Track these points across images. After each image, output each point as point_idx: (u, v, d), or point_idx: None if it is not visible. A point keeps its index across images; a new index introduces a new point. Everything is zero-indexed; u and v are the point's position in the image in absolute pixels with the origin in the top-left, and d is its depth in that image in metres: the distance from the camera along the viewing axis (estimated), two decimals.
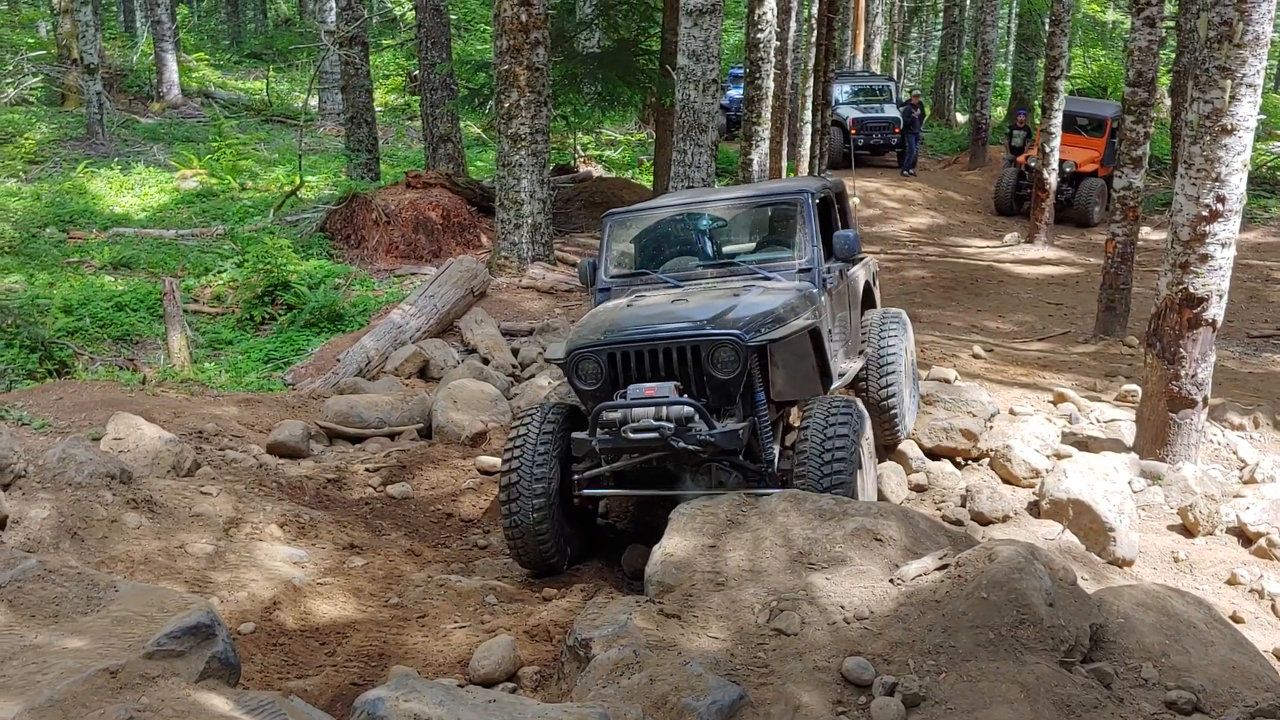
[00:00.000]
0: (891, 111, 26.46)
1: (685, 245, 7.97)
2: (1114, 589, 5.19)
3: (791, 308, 6.67)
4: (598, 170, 23.14)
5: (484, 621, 6.03)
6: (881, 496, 7.18)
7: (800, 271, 7.19)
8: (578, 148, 24.88)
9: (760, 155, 15.35)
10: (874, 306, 9.04)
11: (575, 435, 6.51)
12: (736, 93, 25.93)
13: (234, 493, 7.05)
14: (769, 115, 15.84)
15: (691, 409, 6.02)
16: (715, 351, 6.15)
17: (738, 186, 10.29)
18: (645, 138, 27.64)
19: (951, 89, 36.05)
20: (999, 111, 33.36)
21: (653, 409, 6.05)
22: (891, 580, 5.08)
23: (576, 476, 6.61)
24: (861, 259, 8.95)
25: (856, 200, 22.84)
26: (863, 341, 7.97)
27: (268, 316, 13.27)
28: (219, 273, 14.53)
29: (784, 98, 23.35)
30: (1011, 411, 9.32)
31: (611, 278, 7.55)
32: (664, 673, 4.62)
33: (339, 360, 10.88)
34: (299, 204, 18.09)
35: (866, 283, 8.81)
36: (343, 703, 4.85)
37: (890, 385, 7.69)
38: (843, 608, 4.98)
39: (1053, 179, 19.14)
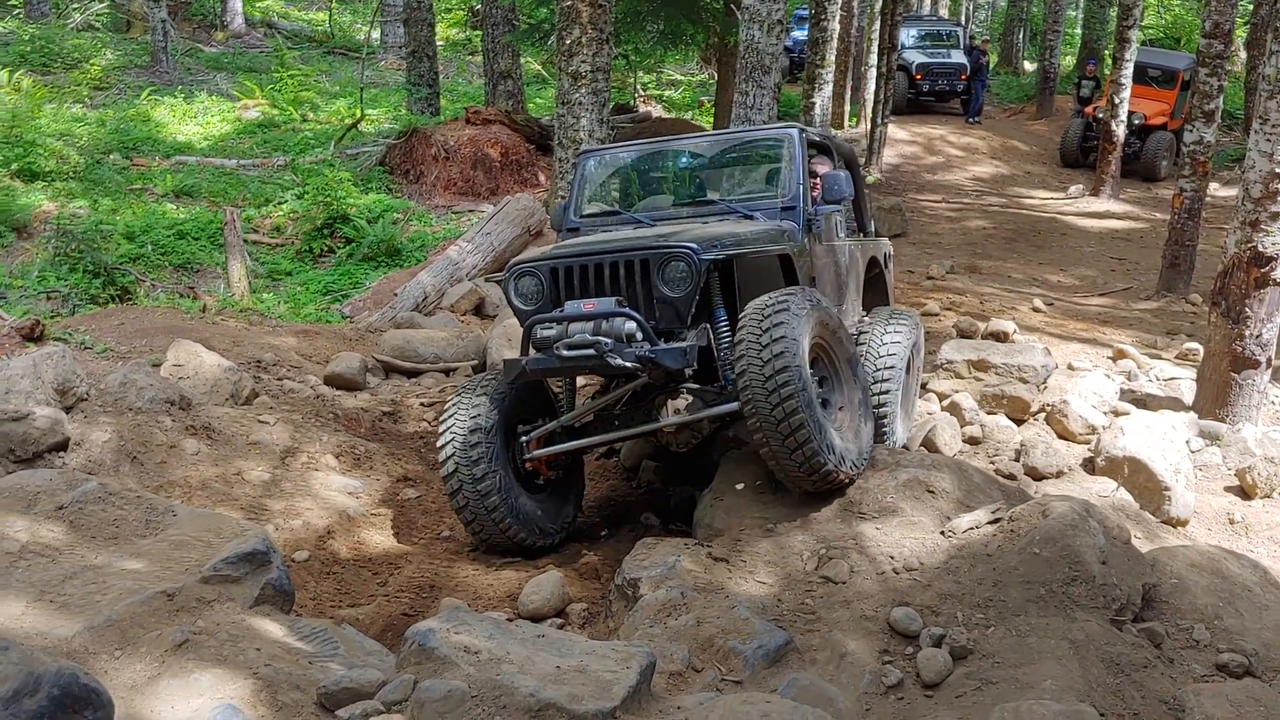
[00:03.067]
0: (958, 57, 25.96)
1: (662, 184, 7.53)
2: (1168, 549, 5.14)
3: (761, 235, 6.08)
4: (657, 110, 22.93)
5: (533, 557, 6.10)
6: (934, 448, 7.13)
7: (784, 210, 6.51)
8: (638, 87, 24.68)
9: (823, 99, 15.14)
10: (885, 291, 8.39)
11: (507, 358, 6.06)
12: (801, 34, 25.50)
13: (291, 422, 7.14)
14: (833, 58, 15.61)
15: (634, 324, 5.44)
16: (666, 266, 5.54)
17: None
18: (707, 78, 27.34)
19: (1020, 36, 35.32)
20: (1068, 60, 32.61)
21: (590, 324, 5.50)
22: (943, 532, 5.06)
23: (525, 439, 6.09)
24: (876, 239, 8.42)
25: (918, 148, 22.53)
26: (862, 333, 7.21)
27: (326, 249, 13.36)
28: (279, 204, 14.62)
29: (849, 40, 23.01)
30: (1070, 367, 9.20)
31: (582, 217, 6.98)
32: (711, 615, 4.65)
33: (396, 295, 10.95)
34: (359, 137, 18.11)
35: (875, 259, 8.09)
36: (393, 632, 4.92)
37: (886, 389, 6.86)
38: (892, 558, 4.97)
39: (1121, 131, 18.76)
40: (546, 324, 5.61)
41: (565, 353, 5.46)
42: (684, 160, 7.48)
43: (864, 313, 7.71)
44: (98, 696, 3.02)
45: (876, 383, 6.82)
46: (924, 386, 8.28)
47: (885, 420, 6.80)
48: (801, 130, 6.86)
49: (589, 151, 7.44)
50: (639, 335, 5.44)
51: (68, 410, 6.38)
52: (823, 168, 7.30)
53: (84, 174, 14.82)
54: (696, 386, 5.81)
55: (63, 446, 6.05)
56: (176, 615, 3.77)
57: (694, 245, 5.51)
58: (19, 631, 3.50)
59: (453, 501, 5.90)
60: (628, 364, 5.40)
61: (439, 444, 5.93)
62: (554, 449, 6.13)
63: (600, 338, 5.41)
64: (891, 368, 6.90)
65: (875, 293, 8.05)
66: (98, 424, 6.31)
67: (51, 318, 9.47)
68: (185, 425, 6.61)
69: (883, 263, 8.26)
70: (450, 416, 5.95)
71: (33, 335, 8.09)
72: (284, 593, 4.24)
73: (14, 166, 14.22)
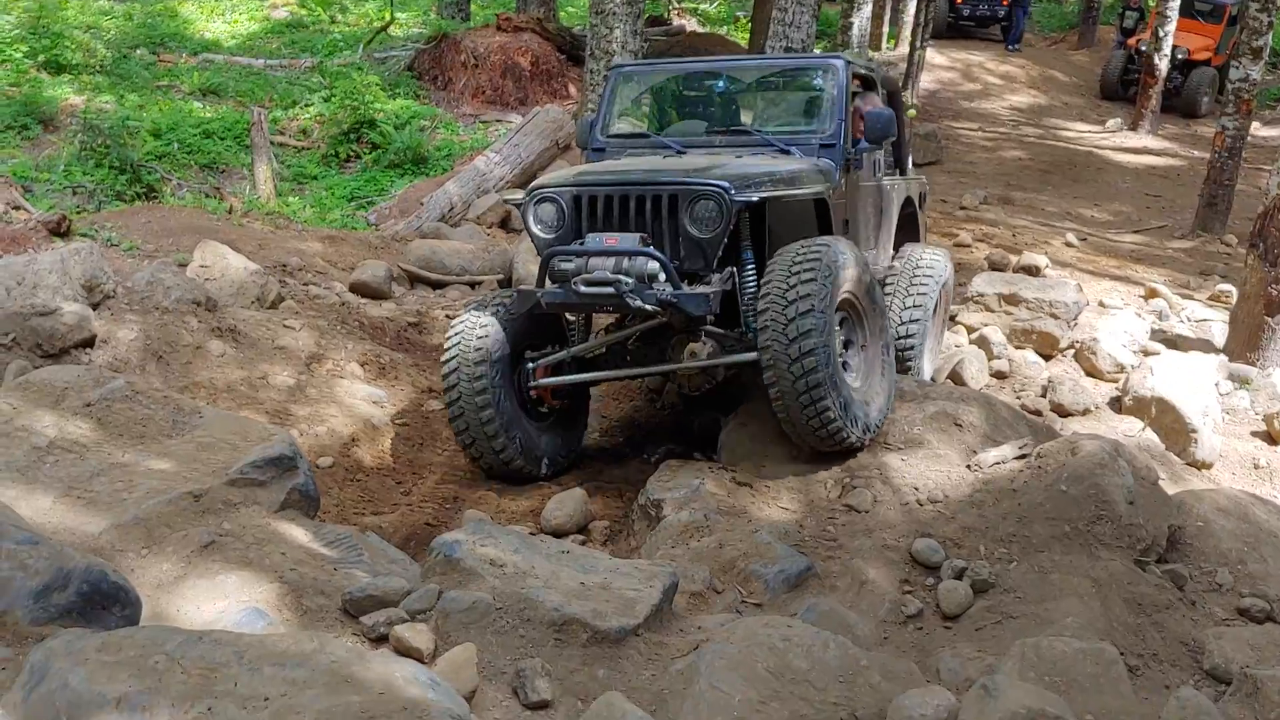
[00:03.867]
0: None
1: (696, 109, 7.16)
2: (1194, 492, 5.12)
3: (797, 175, 5.75)
4: (692, 24, 22.58)
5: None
6: (961, 381, 7.09)
7: (822, 147, 6.17)
8: None
9: (862, 20, 14.90)
10: (916, 230, 7.97)
11: (522, 289, 5.80)
12: None
13: (317, 328, 7.12)
14: None
15: (657, 265, 5.23)
16: (694, 204, 5.30)
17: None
18: None
19: None
20: None
21: (612, 260, 5.29)
22: (969, 466, 5.04)
23: (531, 365, 5.91)
24: (913, 177, 8.09)
25: (956, 74, 22.19)
26: (890, 270, 7.05)
27: (353, 154, 13.25)
28: (306, 106, 14.49)
29: None
30: (1101, 304, 9.13)
31: (609, 138, 6.66)
32: (733, 538, 4.66)
33: (422, 204, 10.88)
34: (388, 41, 17.89)
35: (910, 199, 7.71)
36: (416, 542, 4.95)
37: (912, 332, 6.78)
38: (916, 489, 4.97)
39: (1163, 65, 18.38)
40: (566, 256, 5.42)
41: (583, 289, 5.27)
42: (721, 84, 7.14)
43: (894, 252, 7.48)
44: (125, 594, 3.04)
45: (905, 323, 6.75)
46: (953, 319, 8.24)
47: (911, 359, 6.75)
48: (848, 61, 6.56)
49: (621, 67, 7.17)
50: (661, 276, 5.25)
51: (94, 307, 6.37)
52: (866, 105, 6.97)
53: (111, 68, 14.70)
54: (717, 330, 5.59)
55: (89, 343, 6.05)
56: (203, 516, 3.79)
57: (726, 184, 5.29)
58: (47, 526, 3.52)
59: (453, 422, 5.77)
60: (647, 306, 5.21)
61: (443, 362, 5.78)
62: (561, 380, 5.98)
63: (621, 276, 5.21)
64: (920, 306, 6.81)
65: (907, 231, 7.76)
66: (124, 322, 6.30)
67: (78, 213, 9.43)
68: (211, 327, 6.60)
69: (917, 202, 7.96)
70: (457, 334, 5.78)
71: (59, 230, 8.07)
72: (309, 498, 4.25)
73: (41, 58, 14.10)
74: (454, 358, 5.71)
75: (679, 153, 6.24)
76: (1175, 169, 17.09)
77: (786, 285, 5.01)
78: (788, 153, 6.16)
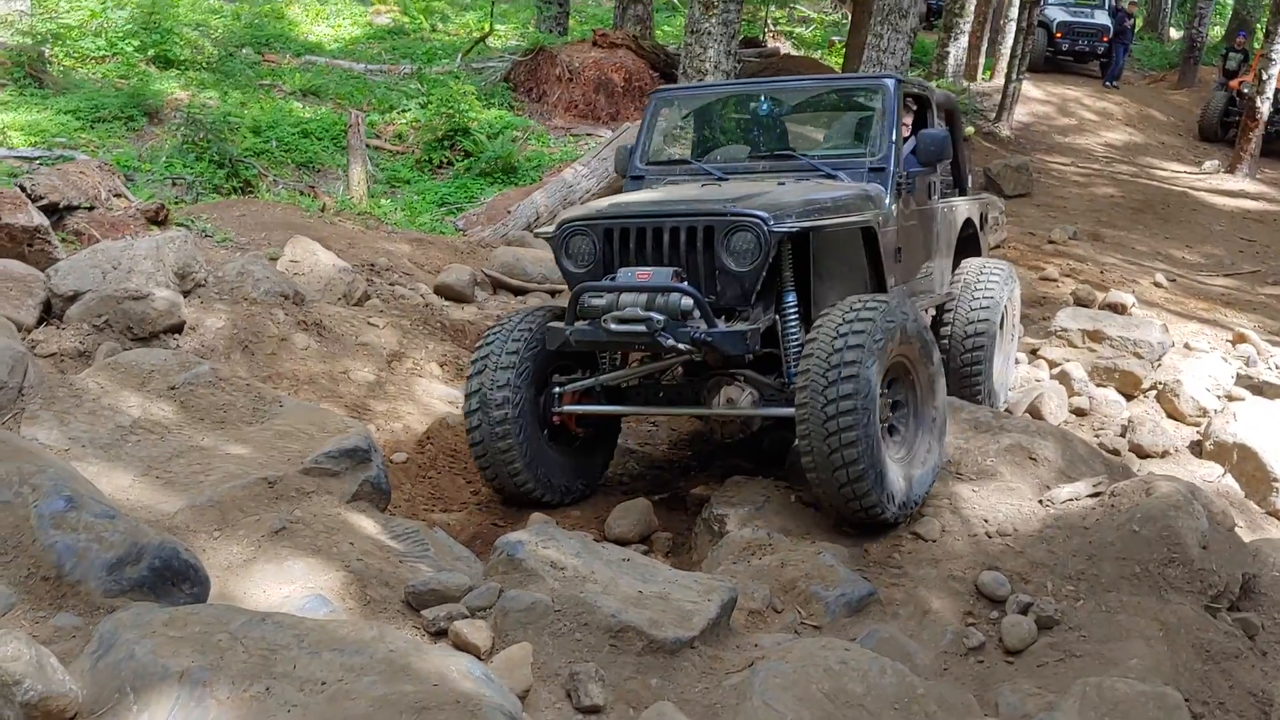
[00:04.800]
0: (1102, 18, 25.04)
1: (738, 133, 6.95)
2: (1272, 541, 5.01)
3: (844, 203, 5.46)
4: (786, 47, 22.55)
5: (623, 484, 6.14)
6: (1039, 415, 7.00)
7: (872, 171, 5.89)
8: (769, 21, 24.30)
9: (958, 49, 14.82)
10: (977, 252, 7.58)
11: (551, 325, 5.39)
12: None
13: (399, 327, 7.24)
14: (973, 7, 15.23)
15: (691, 301, 4.94)
16: (731, 235, 5.01)
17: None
18: (840, 18, 26.81)
19: (1168, 1, 33.99)
20: (1217, 30, 31.35)
21: (644, 297, 5.01)
22: (1040, 501, 4.98)
23: (558, 390, 5.60)
24: (975, 197, 7.82)
25: (1051, 108, 21.92)
26: (949, 294, 6.80)
27: (445, 160, 13.43)
28: (403, 111, 14.73)
29: None
30: (1187, 346, 8.96)
31: (647, 165, 6.43)
32: (796, 558, 4.64)
33: (510, 212, 11.00)
34: (486, 51, 18.13)
35: (970, 220, 7.41)
36: (482, 541, 5.01)
37: (977, 353, 6.55)
38: (986, 521, 4.91)
39: (1265, 108, 17.97)
40: (596, 292, 5.16)
41: (613, 326, 5.00)
42: (765, 107, 6.84)
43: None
44: (196, 572, 3.13)
45: (969, 336, 6.64)
46: (1035, 352, 8.15)
47: (978, 386, 6.62)
48: (898, 81, 6.31)
49: (661, 91, 7.00)
50: (696, 314, 4.97)
51: (185, 294, 6.54)
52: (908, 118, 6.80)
53: (216, 65, 15.05)
54: (756, 377, 5.31)
55: (178, 329, 6.21)
56: (276, 503, 3.87)
57: (763, 214, 5.01)
58: (125, 503, 3.63)
59: (470, 439, 5.50)
60: (680, 345, 4.95)
61: (467, 379, 5.53)
62: (587, 409, 5.70)
63: (652, 314, 4.93)
64: (984, 324, 6.65)
65: (969, 253, 7.45)
66: (213, 310, 6.46)
67: (176, 203, 9.68)
68: (297, 320, 6.74)
69: (978, 222, 7.61)
70: (484, 352, 5.52)
71: (157, 219, 8.29)
72: (381, 491, 4.33)
73: (150, 52, 14.49)
74: (478, 373, 5.47)
75: (719, 180, 6.01)
76: (1272, 214, 16.70)
77: (831, 348, 4.70)
78: (835, 178, 5.91)
